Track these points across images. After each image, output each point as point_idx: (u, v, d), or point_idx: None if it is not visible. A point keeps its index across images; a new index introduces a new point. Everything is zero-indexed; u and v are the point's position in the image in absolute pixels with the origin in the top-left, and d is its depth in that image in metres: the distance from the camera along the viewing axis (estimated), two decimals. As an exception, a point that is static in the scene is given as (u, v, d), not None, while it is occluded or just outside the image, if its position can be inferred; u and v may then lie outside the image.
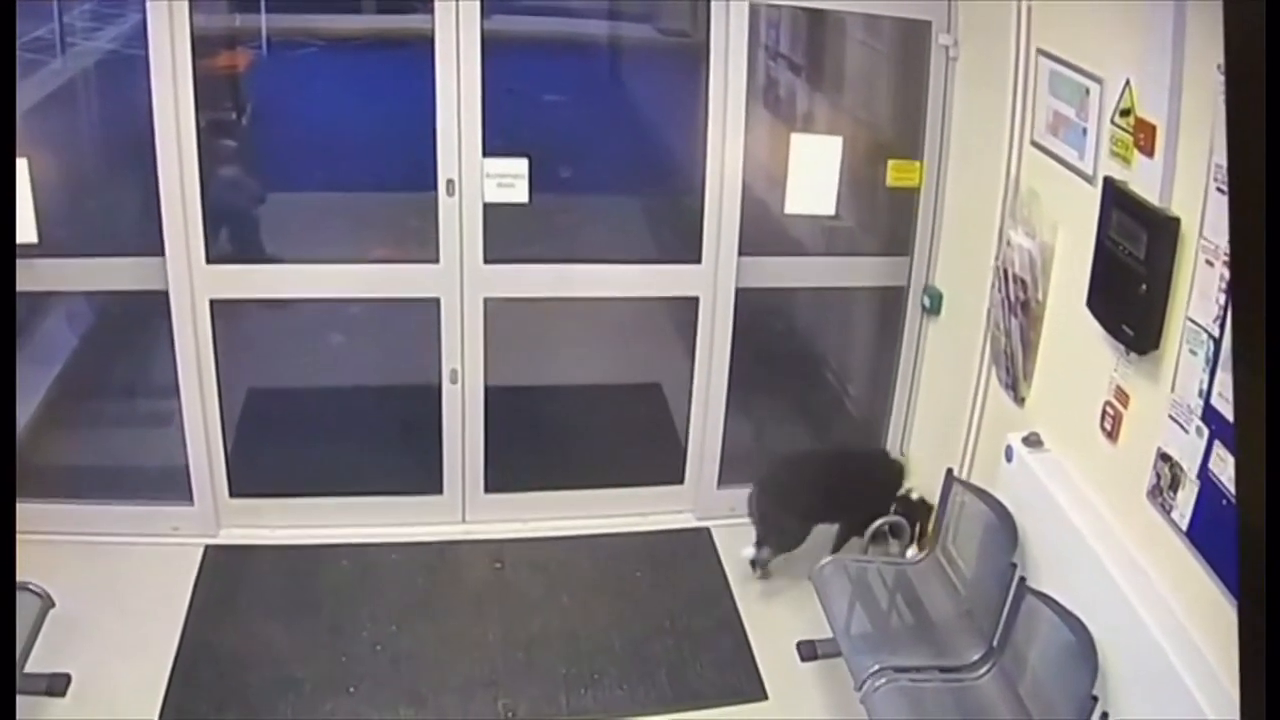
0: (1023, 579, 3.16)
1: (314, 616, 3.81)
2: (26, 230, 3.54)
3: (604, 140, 5.25)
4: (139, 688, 3.41)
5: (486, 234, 3.96)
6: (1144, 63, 2.78)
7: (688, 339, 4.28)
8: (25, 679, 3.13)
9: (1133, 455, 2.88)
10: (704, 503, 4.45)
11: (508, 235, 4.00)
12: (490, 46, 3.77)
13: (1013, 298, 3.51)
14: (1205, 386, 2.57)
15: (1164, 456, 2.73)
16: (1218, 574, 2.52)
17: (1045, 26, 3.37)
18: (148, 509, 4.13)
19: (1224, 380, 2.51)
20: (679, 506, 4.47)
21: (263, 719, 3.38)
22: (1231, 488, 2.45)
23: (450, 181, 3.88)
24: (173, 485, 4.11)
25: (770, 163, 4.11)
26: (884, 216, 4.39)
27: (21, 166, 3.44)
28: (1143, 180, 2.81)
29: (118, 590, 3.82)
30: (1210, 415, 2.55)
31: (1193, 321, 2.61)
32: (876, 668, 3.15)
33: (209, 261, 3.85)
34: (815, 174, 4.03)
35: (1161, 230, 2.70)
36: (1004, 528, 3.30)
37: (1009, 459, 3.42)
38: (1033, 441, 3.39)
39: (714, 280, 4.14)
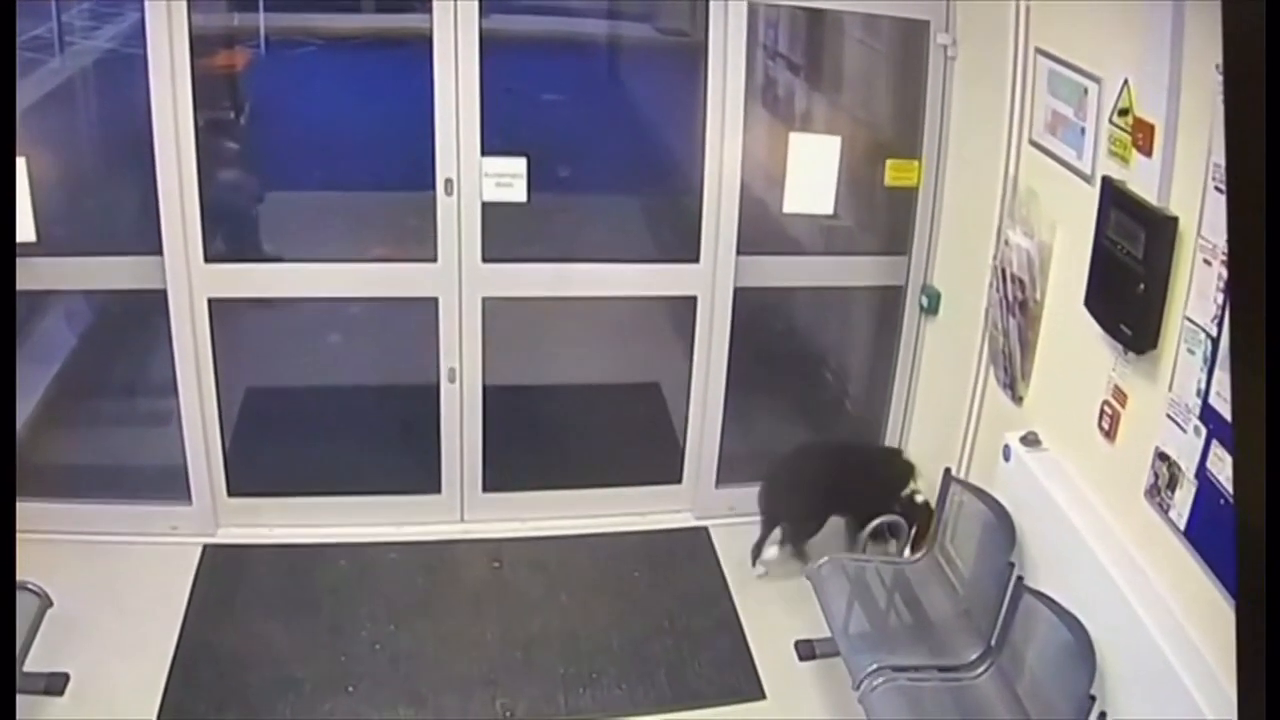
0: (1020, 578, 3.17)
1: (312, 616, 3.80)
2: (25, 229, 3.53)
3: (602, 139, 5.25)
4: (137, 687, 3.41)
5: (485, 233, 3.95)
6: (1142, 62, 2.78)
7: (686, 338, 4.28)
8: (23, 678, 3.13)
9: (1130, 454, 2.89)
10: (702, 502, 4.45)
11: (506, 234, 4.00)
12: (489, 46, 3.77)
13: (1011, 297, 3.51)
14: (1203, 386, 2.57)
15: (1162, 456, 2.73)
16: (1215, 573, 2.52)
17: (1044, 26, 3.37)
18: (146, 508, 4.12)
19: (1222, 379, 2.51)
20: (677, 506, 4.47)
21: (261, 718, 3.38)
22: (1229, 487, 2.45)
23: (449, 181, 3.88)
24: (171, 484, 4.10)
25: (768, 162, 4.11)
26: (882, 216, 4.39)
27: (20, 165, 3.44)
28: (1141, 180, 2.81)
29: (116, 589, 3.81)
30: (1208, 414, 2.56)
31: (1191, 321, 2.62)
32: (874, 667, 3.15)
33: (207, 260, 3.85)
34: (813, 173, 4.02)
35: (1160, 229, 2.70)
36: (1002, 527, 3.30)
37: (1007, 458, 3.42)
38: (1031, 441, 3.39)
39: (712, 280, 4.14)
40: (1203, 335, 2.57)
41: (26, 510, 3.60)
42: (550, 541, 4.27)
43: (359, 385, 4.64)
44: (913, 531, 3.88)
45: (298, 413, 4.60)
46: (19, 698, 3.15)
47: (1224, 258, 2.46)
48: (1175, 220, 2.67)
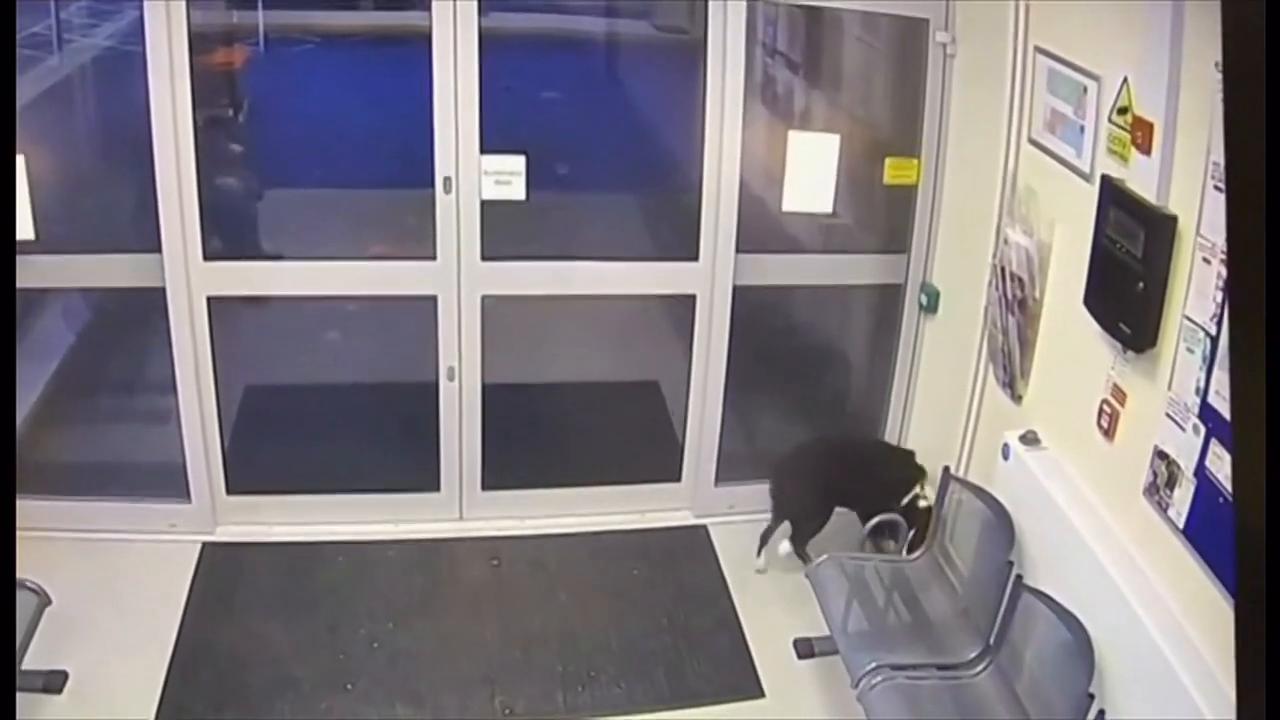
0: (1019, 577, 3.17)
1: (311, 614, 3.80)
2: (24, 227, 3.53)
3: (601, 137, 5.25)
4: (136, 685, 3.41)
5: (484, 231, 3.95)
6: (1142, 61, 2.78)
7: (685, 336, 4.28)
8: (22, 676, 3.13)
9: (1129, 453, 2.89)
10: (701, 500, 4.45)
11: (505, 232, 4.00)
12: (488, 43, 3.76)
13: (1010, 296, 3.51)
14: (1202, 384, 2.57)
15: (1161, 454, 2.73)
16: (1215, 572, 2.52)
17: (1043, 24, 3.37)
18: (145, 506, 4.12)
19: (1221, 378, 2.51)
20: (676, 504, 4.47)
21: (260, 716, 3.38)
22: (1228, 486, 2.45)
23: (447, 179, 3.87)
24: (170, 482, 4.10)
25: (768, 160, 4.11)
26: (881, 214, 4.39)
27: (19, 163, 3.43)
28: (1140, 178, 2.81)
29: (115, 587, 3.81)
30: (1207, 413, 2.56)
31: (1190, 319, 2.62)
32: (873, 665, 3.16)
33: (206, 258, 3.84)
34: (813, 171, 4.02)
35: (1159, 228, 2.70)
36: (1001, 526, 3.30)
37: (1006, 457, 3.42)
38: (1030, 439, 3.39)
39: (711, 278, 4.14)
40: (1202, 334, 2.57)
41: (25, 508, 3.60)
42: (549, 540, 4.27)
43: (358, 383, 4.64)
44: (911, 534, 3.88)
45: (297, 411, 4.60)
46: (18, 696, 3.15)
47: (1223, 256, 2.46)
48: (1174, 219, 2.67)
